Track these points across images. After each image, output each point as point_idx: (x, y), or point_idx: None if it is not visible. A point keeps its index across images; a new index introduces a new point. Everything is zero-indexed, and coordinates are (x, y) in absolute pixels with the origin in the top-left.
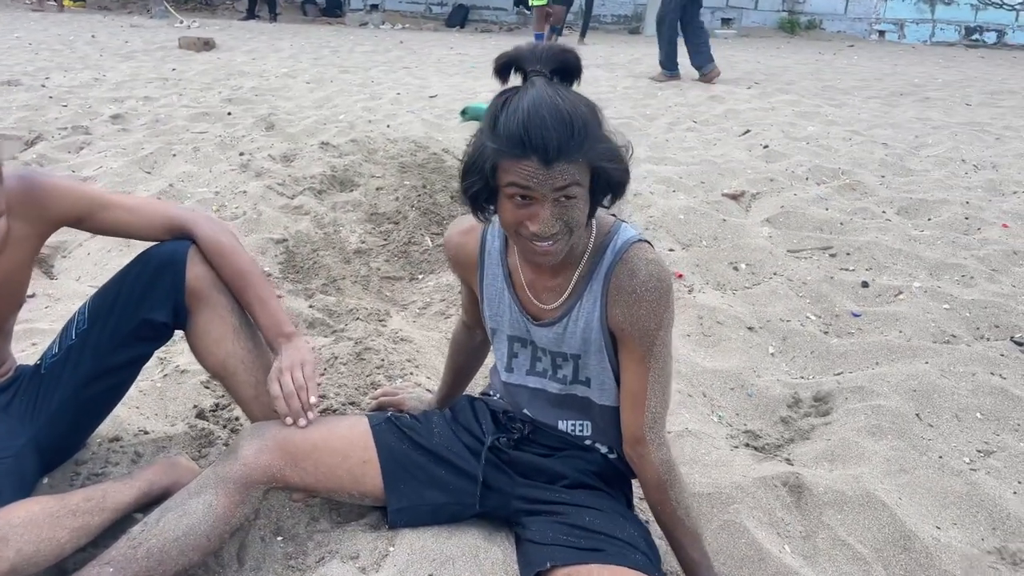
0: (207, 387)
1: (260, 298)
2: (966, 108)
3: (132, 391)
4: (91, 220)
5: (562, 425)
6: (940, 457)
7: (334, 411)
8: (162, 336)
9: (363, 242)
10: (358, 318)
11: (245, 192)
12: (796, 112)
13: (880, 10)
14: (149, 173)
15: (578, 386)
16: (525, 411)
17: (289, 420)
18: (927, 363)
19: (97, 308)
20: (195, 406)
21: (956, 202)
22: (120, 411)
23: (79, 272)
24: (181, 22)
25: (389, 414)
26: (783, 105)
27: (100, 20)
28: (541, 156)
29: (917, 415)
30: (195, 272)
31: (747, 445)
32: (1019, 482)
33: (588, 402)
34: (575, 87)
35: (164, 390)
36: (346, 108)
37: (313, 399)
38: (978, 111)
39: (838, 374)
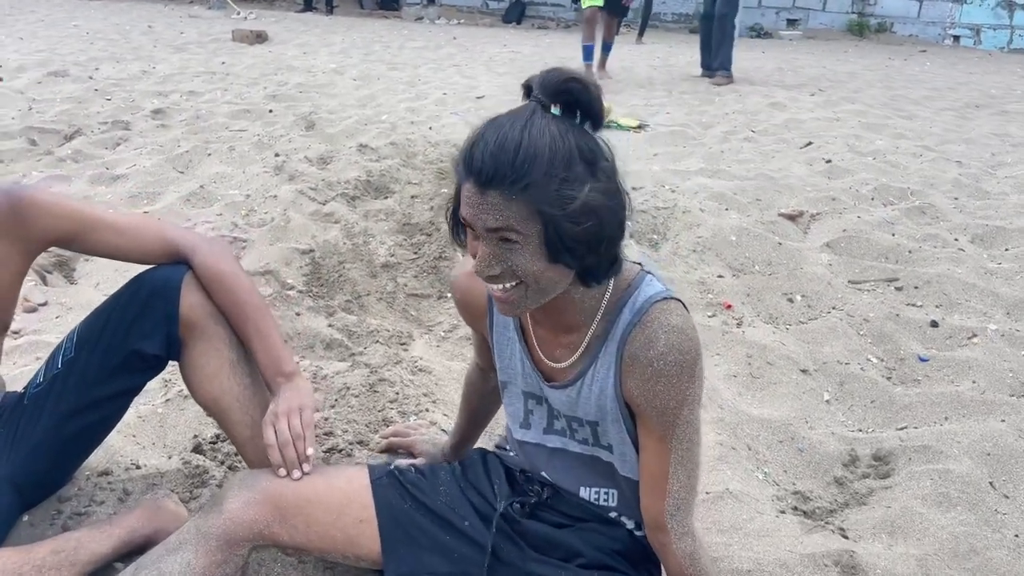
0: (209, 416)
1: (260, 331)
2: None
3: (130, 416)
4: (79, 241)
5: (584, 492)
6: (1016, 536)
7: (340, 451)
8: (154, 368)
9: (392, 255)
10: (378, 341)
11: (276, 196)
12: (863, 124)
13: (955, 14)
14: (182, 173)
15: (601, 450)
16: (544, 473)
17: (282, 472)
18: (1003, 421)
19: (85, 335)
20: (195, 436)
21: None
22: (114, 439)
23: (99, 278)
24: (238, 13)
25: (392, 467)
26: (849, 115)
27: (160, 9)
28: (475, 179)
29: (991, 483)
30: (190, 301)
31: (795, 509)
32: None
33: (613, 469)
34: (591, 125)
35: (165, 416)
36: (389, 108)
37: (310, 451)
38: None
39: (901, 428)
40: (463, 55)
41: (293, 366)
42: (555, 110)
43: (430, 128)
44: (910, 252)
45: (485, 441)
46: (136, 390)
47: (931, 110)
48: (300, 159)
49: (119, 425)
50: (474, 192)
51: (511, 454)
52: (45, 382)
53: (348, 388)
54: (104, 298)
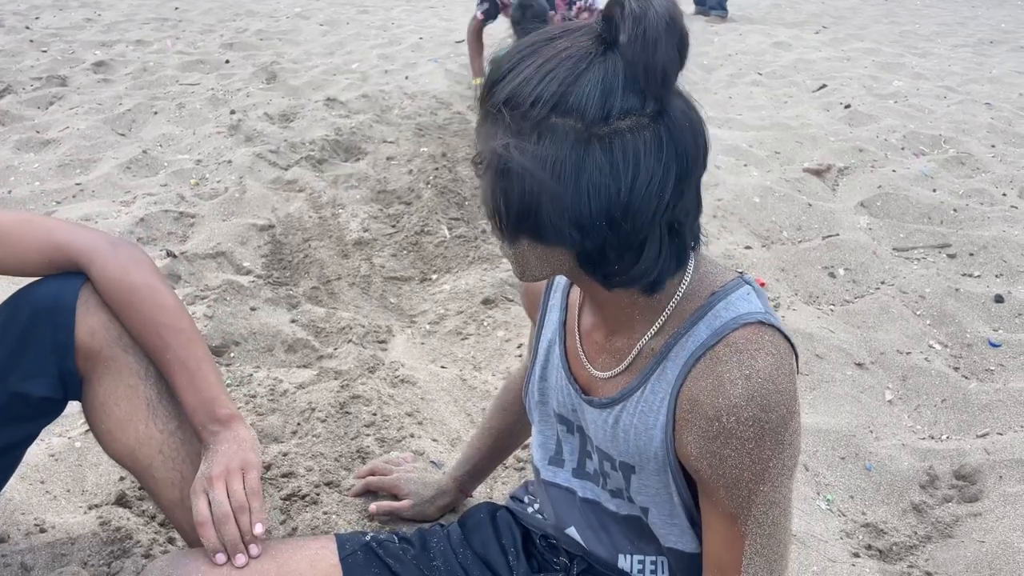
0: None
1: (185, 363)
2: None
3: (39, 454)
4: None
5: (624, 562)
6: None
7: (303, 496)
8: (47, 413)
9: (366, 230)
10: (351, 340)
11: (231, 162)
12: (877, 63)
13: None
14: (123, 136)
15: (634, 508)
16: (571, 532)
17: (220, 558)
18: None
19: None
20: (122, 478)
21: None
22: (16, 487)
23: None
24: None
25: (368, 538)
26: (860, 54)
27: None
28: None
29: None
30: (89, 324)
31: (869, 548)
32: None
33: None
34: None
35: (84, 452)
36: (360, 55)
37: (258, 528)
38: None
39: (983, 435)
40: None
41: (230, 408)
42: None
43: (406, 78)
44: (955, 211)
45: (490, 491)
46: (26, 442)
47: (945, 47)
48: (259, 116)
49: (23, 469)
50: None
51: (530, 510)
52: None
53: (313, 409)
54: None
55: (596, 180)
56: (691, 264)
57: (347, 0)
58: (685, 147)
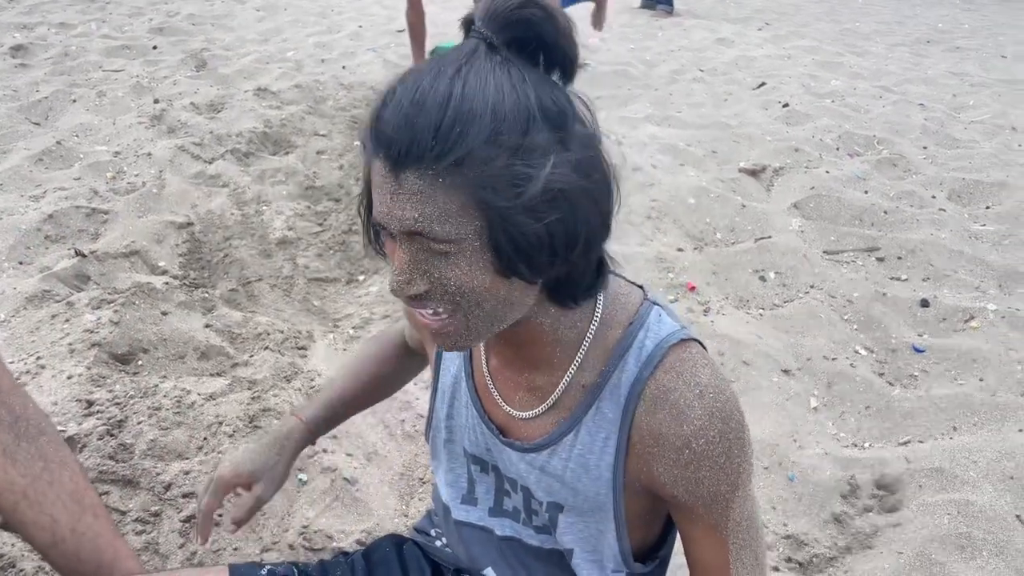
0: None
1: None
2: (1002, 61)
3: None
4: None
5: None
6: None
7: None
8: None
9: (291, 228)
10: (268, 347)
11: (150, 155)
12: (816, 62)
13: None
14: (38, 125)
15: (560, 545)
16: (488, 573)
17: None
18: (1022, 431)
19: None
20: None
21: (1018, 185)
22: None
23: None
24: None
25: (265, 571)
26: (800, 52)
27: None
28: (384, 154)
29: (1018, 517)
30: None
31: (790, 561)
32: None
33: None
34: (560, 74)
35: None
36: (296, 43)
37: None
38: (1016, 66)
39: (904, 443)
40: None
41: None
42: (506, 51)
43: (343, 67)
44: (886, 213)
45: (405, 507)
46: None
47: (883, 46)
48: (184, 106)
49: None
50: (385, 175)
51: (438, 543)
52: None
53: (221, 423)
54: None
55: (598, 171)
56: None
57: None
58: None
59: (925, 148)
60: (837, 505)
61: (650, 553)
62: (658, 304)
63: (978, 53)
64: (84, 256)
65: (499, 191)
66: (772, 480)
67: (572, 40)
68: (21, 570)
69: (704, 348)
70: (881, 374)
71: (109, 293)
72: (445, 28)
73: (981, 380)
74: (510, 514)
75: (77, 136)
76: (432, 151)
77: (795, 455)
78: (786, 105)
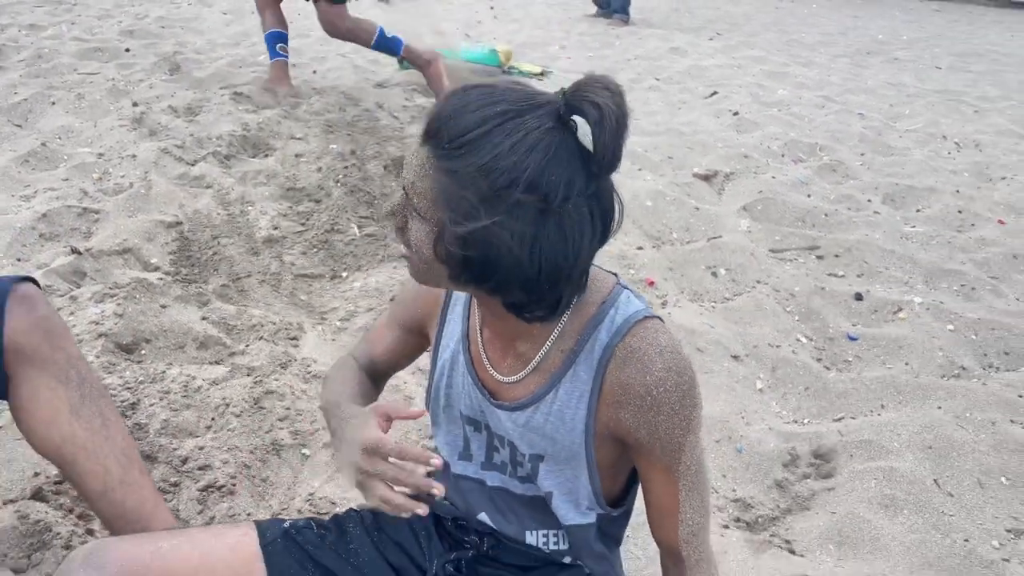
0: None
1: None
2: (937, 72)
3: None
4: None
5: (532, 538)
6: (966, 541)
7: (220, 487)
8: None
9: (276, 227)
10: (262, 337)
11: (135, 157)
12: (764, 72)
13: None
14: (20, 127)
15: (541, 492)
16: (482, 517)
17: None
18: (940, 408)
19: None
20: (36, 474)
21: (945, 190)
22: None
23: None
24: None
25: (287, 524)
26: (749, 62)
27: None
28: (424, 125)
29: (935, 481)
30: (18, 325)
31: (738, 521)
32: None
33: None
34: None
35: None
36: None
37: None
38: (950, 76)
39: (838, 419)
40: None
41: None
42: (564, 126)
43: (314, 72)
44: (826, 215)
45: None
46: None
47: (827, 56)
48: (163, 109)
49: None
50: (416, 143)
51: (438, 497)
52: None
53: (227, 405)
54: None
55: (548, 251)
56: None
57: None
58: (610, 215)
59: (863, 155)
60: (779, 473)
61: (616, 502)
62: (628, 289)
63: (915, 64)
64: (80, 253)
65: (453, 210)
66: (723, 452)
67: (620, 142)
68: (57, 534)
69: (663, 323)
70: (819, 359)
71: (110, 288)
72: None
73: (906, 364)
74: (498, 467)
75: (60, 138)
76: (442, 146)
77: (743, 430)
78: (736, 114)
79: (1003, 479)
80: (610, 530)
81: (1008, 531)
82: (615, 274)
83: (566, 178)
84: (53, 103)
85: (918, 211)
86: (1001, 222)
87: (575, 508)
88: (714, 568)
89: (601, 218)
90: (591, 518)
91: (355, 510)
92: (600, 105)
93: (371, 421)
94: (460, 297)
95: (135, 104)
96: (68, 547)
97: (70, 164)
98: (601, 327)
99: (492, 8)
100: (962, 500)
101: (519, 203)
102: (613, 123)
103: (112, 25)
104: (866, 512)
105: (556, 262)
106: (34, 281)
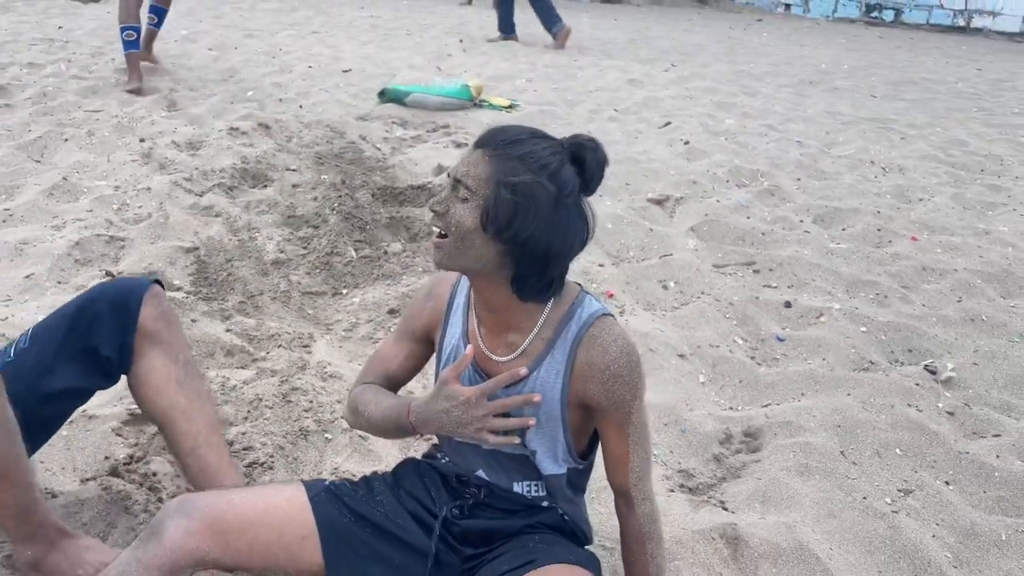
0: (119, 435)
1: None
2: (872, 100)
3: None
4: None
5: (518, 487)
6: (864, 498)
7: (261, 464)
8: (103, 375)
9: (282, 251)
10: (280, 345)
11: (150, 189)
12: (714, 102)
13: None
14: (39, 162)
15: (526, 451)
16: (479, 473)
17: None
18: (849, 395)
19: (41, 331)
20: (107, 458)
21: (868, 211)
22: None
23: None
24: None
25: (327, 483)
26: (700, 93)
27: None
28: (476, 140)
29: (842, 452)
30: (150, 313)
31: (682, 487)
32: (937, 524)
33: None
34: (584, 184)
35: (71, 439)
36: (254, 83)
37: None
38: (883, 104)
39: (766, 406)
40: (320, 19)
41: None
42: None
43: (300, 107)
44: (763, 234)
45: (413, 451)
46: (83, 394)
47: (772, 86)
48: (167, 144)
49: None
50: (471, 149)
51: (443, 460)
52: None
53: (260, 399)
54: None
55: (558, 232)
56: None
57: (231, 23)
58: (590, 225)
59: (799, 180)
60: (716, 448)
61: (583, 457)
62: (589, 294)
63: (852, 93)
64: (113, 276)
65: (504, 174)
66: (670, 432)
67: (601, 171)
68: (135, 501)
69: (615, 319)
70: (752, 357)
71: None
72: (388, 70)
73: (824, 360)
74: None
75: (77, 172)
76: (493, 146)
77: (687, 415)
78: (687, 143)
79: (898, 450)
80: (577, 481)
81: (899, 491)
82: (579, 284)
83: (572, 182)
84: (66, 139)
85: (843, 230)
86: (914, 239)
87: (553, 462)
88: (655, 506)
89: (585, 225)
90: (563, 469)
91: (378, 473)
92: (594, 147)
93: (451, 385)
94: (459, 303)
95: (142, 140)
96: (146, 511)
97: (91, 196)
98: (572, 321)
99: (461, 41)
100: (863, 467)
101: (544, 186)
102: (601, 157)
103: (106, 63)
104: (785, 478)
105: (560, 244)
106: (160, 283)
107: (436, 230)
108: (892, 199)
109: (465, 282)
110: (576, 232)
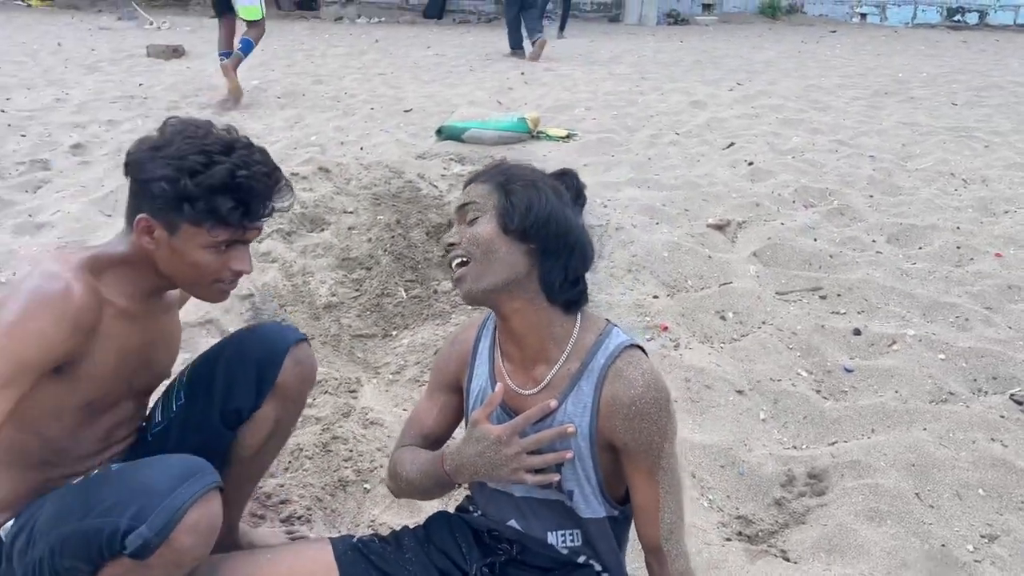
0: None
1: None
2: (952, 108)
3: None
4: None
5: (552, 538)
6: (943, 546)
7: (298, 517)
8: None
9: (334, 294)
10: (327, 391)
11: None
12: (780, 120)
13: None
14: (110, 216)
15: (561, 495)
16: (512, 523)
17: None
18: (925, 430)
19: (194, 385)
20: None
21: (947, 228)
22: None
23: None
24: (151, 23)
25: (355, 540)
26: (766, 111)
27: (68, 22)
28: (477, 174)
29: (917, 494)
30: (288, 376)
31: (739, 534)
32: None
33: (575, 512)
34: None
35: None
36: (317, 128)
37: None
38: (964, 112)
39: (832, 444)
40: (387, 61)
41: None
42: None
43: (361, 148)
44: (831, 257)
45: (445, 504)
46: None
47: (844, 99)
48: None
49: None
50: (470, 183)
51: (476, 513)
52: (164, 421)
53: (301, 449)
54: None
55: (581, 235)
56: (580, 314)
57: (302, 70)
58: (593, 248)
59: (871, 197)
60: (777, 492)
61: (620, 503)
62: (616, 326)
63: (930, 102)
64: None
65: (508, 180)
66: (727, 475)
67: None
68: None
69: (644, 351)
70: (817, 391)
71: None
72: (448, 108)
73: (896, 392)
74: None
75: None
76: (481, 175)
77: (746, 456)
78: (751, 163)
79: (980, 491)
80: (616, 531)
81: (982, 536)
82: (608, 319)
83: (564, 189)
84: None
85: (920, 248)
86: (999, 255)
87: (589, 502)
88: (689, 564)
89: (590, 245)
90: (601, 513)
91: (408, 528)
92: (577, 179)
93: (481, 425)
94: (484, 346)
95: None
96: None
97: None
98: (598, 353)
99: (523, 74)
100: (941, 510)
101: (544, 181)
102: (578, 181)
103: (181, 116)
104: (853, 524)
105: (577, 234)
106: (306, 339)
107: (455, 269)
108: (974, 213)
109: (490, 325)
110: (583, 228)
